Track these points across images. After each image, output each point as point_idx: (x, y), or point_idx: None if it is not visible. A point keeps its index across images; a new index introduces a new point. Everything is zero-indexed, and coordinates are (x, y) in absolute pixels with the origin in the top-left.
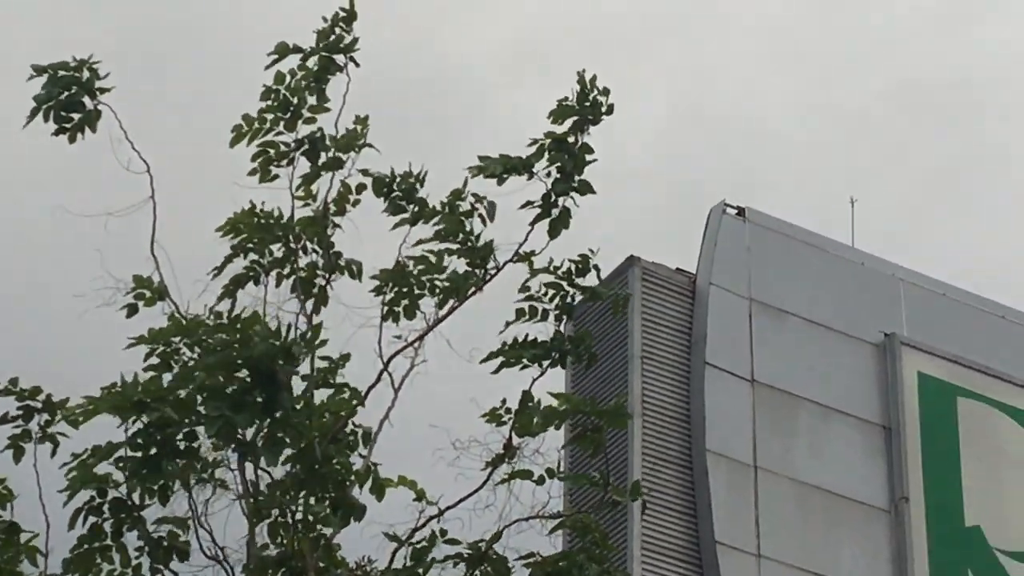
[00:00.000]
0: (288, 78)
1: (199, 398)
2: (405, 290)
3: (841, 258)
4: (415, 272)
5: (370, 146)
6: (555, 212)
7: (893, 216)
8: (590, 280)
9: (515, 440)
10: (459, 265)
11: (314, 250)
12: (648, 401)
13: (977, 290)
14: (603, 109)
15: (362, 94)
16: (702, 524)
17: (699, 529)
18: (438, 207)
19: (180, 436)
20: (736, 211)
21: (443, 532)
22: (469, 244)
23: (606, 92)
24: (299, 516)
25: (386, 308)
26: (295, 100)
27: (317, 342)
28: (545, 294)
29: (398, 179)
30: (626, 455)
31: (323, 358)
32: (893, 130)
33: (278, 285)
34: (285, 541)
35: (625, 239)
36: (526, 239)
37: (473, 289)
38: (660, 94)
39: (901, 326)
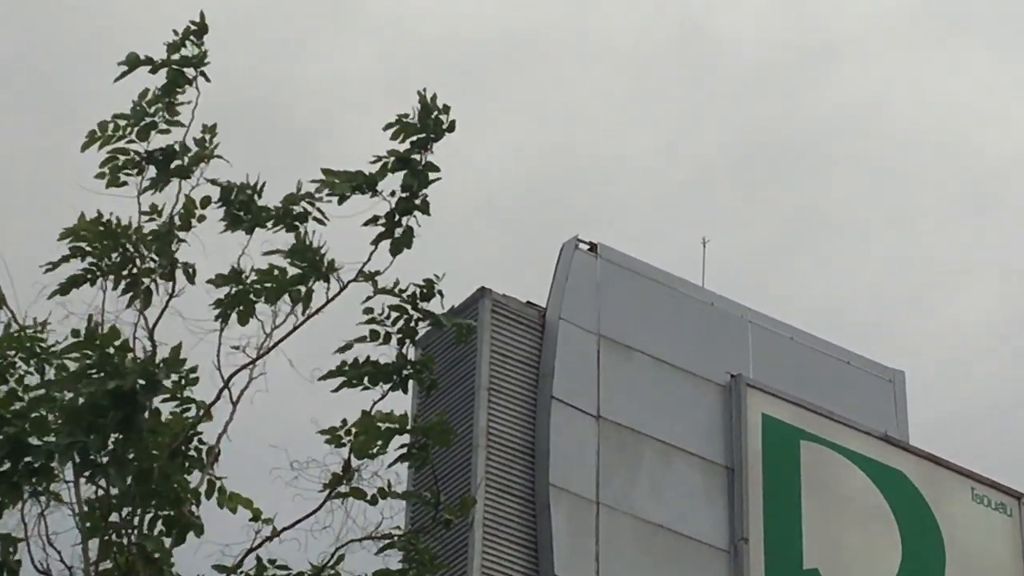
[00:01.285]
0: (149, 92)
1: (54, 416)
2: (244, 295)
3: (691, 298)
4: (252, 279)
5: (219, 157)
6: (398, 232)
7: (744, 258)
8: (435, 306)
9: (354, 462)
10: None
11: (151, 258)
12: (493, 433)
13: (824, 335)
14: (444, 127)
15: (221, 111)
16: (542, 557)
17: (539, 562)
18: (272, 210)
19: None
20: (589, 247)
21: (271, 561)
22: (313, 261)
23: (446, 110)
24: (134, 533)
25: (219, 311)
26: (151, 111)
27: (184, 369)
28: (388, 316)
29: (236, 189)
30: (469, 485)
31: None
32: (749, 174)
33: (115, 288)
34: (119, 558)
35: (479, 270)
36: (370, 258)
37: (316, 308)
38: (523, 128)
39: (747, 368)
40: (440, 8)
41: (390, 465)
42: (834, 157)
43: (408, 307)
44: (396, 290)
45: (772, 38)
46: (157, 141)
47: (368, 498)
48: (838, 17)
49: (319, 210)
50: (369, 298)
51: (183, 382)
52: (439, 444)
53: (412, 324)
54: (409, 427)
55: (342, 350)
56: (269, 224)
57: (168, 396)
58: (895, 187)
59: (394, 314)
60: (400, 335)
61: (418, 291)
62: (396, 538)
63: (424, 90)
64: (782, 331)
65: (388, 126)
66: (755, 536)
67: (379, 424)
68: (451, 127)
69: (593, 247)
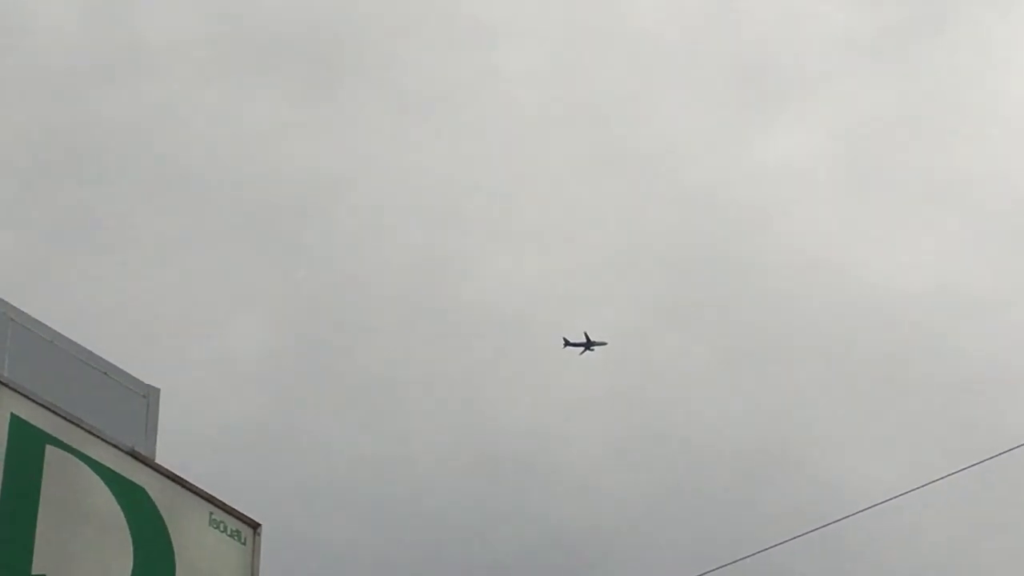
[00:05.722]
0: None
1: None
2: None
3: None
4: None
5: None
6: None
7: (14, 255)
8: None
9: None
10: None
11: None
12: None
13: (88, 343)
14: None
15: None
16: None
17: None
18: None
19: None
20: None
21: None
22: None
23: None
24: None
25: None
26: None
27: None
28: None
29: None
30: None
31: None
32: (30, 173)
33: None
34: None
35: None
36: None
37: None
38: None
39: (3, 365)
40: None
41: None
42: (127, 167)
43: None
44: None
45: (80, 42)
46: None
47: None
48: (146, 30)
49: None
50: None
51: None
52: None
53: None
54: None
55: None
56: None
57: None
58: (189, 206)
59: None
60: None
61: None
62: None
63: None
64: (43, 333)
65: None
66: None
67: None
68: None
69: None
